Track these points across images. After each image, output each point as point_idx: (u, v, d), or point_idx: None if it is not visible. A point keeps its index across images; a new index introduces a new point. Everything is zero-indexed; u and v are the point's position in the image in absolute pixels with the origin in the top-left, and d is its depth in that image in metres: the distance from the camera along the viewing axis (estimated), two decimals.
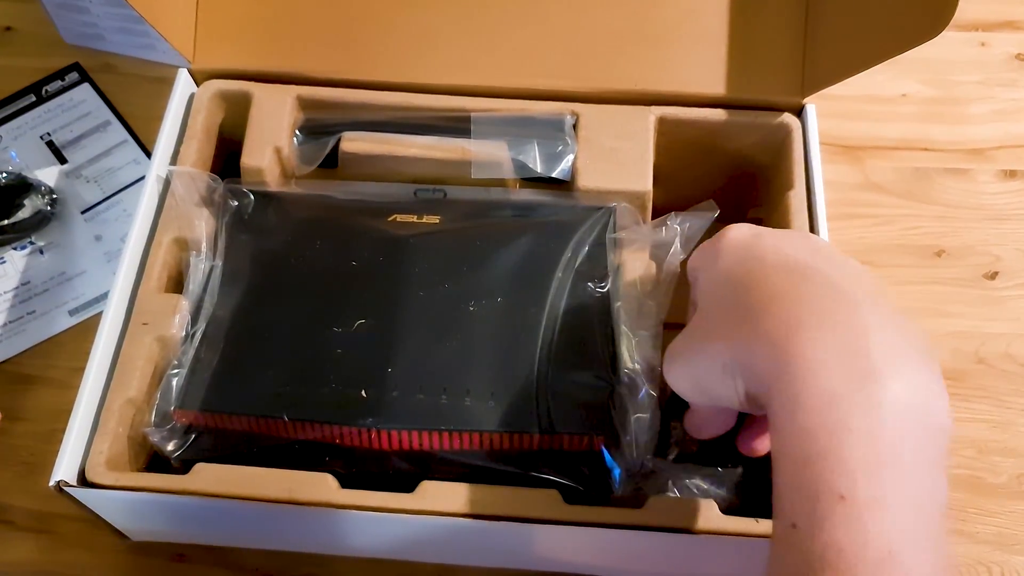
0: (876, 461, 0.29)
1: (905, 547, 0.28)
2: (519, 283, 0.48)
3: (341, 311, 0.47)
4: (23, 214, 0.60)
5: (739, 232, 0.38)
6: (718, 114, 0.54)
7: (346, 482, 0.43)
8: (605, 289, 0.48)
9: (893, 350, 0.31)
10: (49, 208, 0.61)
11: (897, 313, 0.32)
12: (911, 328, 0.32)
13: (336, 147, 0.53)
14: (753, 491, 0.45)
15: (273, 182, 0.53)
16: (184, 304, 0.48)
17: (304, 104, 0.54)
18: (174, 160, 0.53)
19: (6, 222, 0.59)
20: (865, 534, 0.28)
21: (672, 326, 0.49)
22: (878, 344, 0.31)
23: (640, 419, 0.45)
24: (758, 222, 0.56)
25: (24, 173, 0.62)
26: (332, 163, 0.54)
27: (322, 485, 0.43)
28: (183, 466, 0.44)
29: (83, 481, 0.44)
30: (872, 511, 0.29)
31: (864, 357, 0.30)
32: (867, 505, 0.29)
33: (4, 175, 0.60)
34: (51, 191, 0.61)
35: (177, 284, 0.51)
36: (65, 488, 0.43)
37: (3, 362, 0.57)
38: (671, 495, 0.45)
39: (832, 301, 0.32)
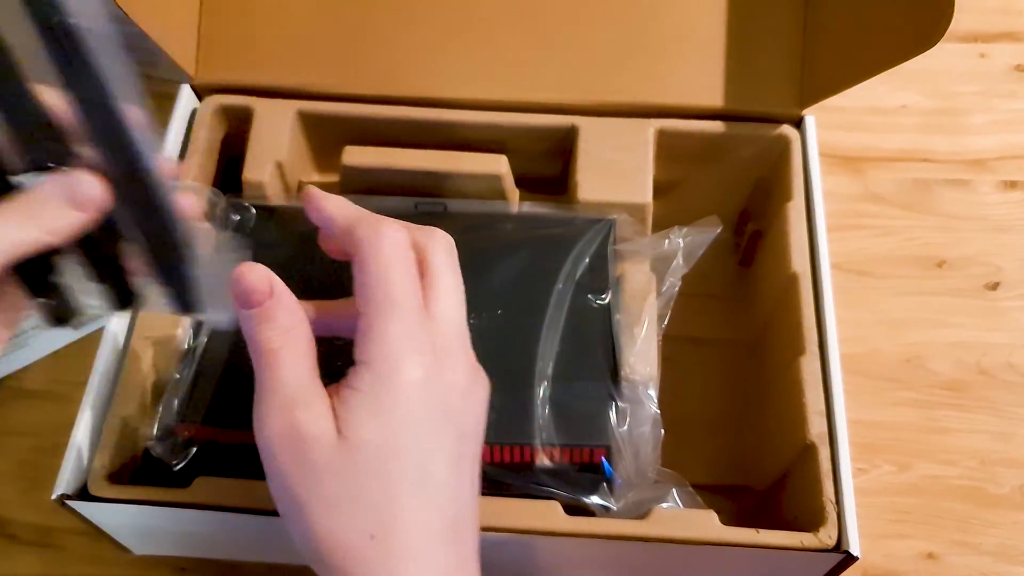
0: None
1: None
2: (519, 295, 0.48)
3: None
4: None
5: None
6: (717, 126, 0.54)
7: None
8: (606, 301, 0.48)
9: None
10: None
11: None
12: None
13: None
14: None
15: (275, 196, 0.54)
16: (186, 318, 0.49)
17: (305, 118, 0.55)
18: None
19: None
20: None
21: (673, 338, 0.50)
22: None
23: (641, 431, 0.45)
24: (757, 234, 0.57)
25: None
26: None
27: None
28: (184, 479, 0.44)
29: (85, 495, 0.44)
30: None
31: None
32: None
33: None
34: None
35: None
36: (67, 502, 0.43)
37: (6, 377, 0.57)
38: (673, 507, 0.45)
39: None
